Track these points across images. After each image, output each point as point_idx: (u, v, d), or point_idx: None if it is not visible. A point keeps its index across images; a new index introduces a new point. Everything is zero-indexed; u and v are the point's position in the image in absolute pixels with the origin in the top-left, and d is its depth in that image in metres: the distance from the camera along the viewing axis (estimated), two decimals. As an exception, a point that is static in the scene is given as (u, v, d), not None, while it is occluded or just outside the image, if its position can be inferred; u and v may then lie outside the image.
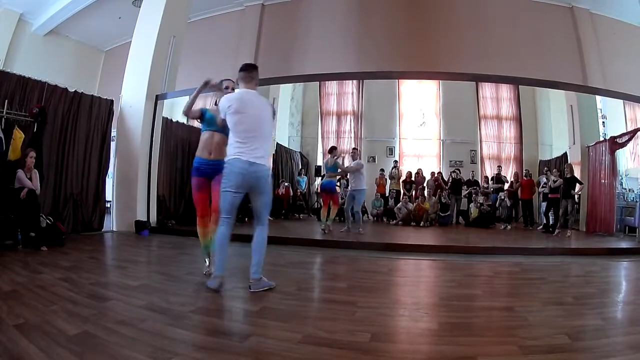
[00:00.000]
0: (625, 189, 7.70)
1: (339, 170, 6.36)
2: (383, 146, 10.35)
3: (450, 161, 9.95)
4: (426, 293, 3.07)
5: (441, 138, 10.22)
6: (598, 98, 7.66)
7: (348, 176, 6.50)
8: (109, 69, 10.63)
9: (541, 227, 7.49)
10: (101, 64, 11.13)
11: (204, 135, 3.13)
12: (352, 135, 10.37)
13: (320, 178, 9.64)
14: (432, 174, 9.24)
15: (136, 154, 6.10)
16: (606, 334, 2.00)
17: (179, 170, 7.06)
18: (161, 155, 6.50)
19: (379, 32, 8.95)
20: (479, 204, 8.16)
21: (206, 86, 3.14)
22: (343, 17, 9.34)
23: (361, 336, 1.90)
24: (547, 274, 3.57)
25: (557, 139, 9.12)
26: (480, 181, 9.13)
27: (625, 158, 7.79)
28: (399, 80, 9.87)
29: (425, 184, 9.03)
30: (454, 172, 8.88)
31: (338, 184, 6.72)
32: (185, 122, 7.27)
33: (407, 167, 9.78)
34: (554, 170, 7.22)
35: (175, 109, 7.28)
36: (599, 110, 8.00)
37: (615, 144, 7.04)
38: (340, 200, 6.99)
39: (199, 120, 3.20)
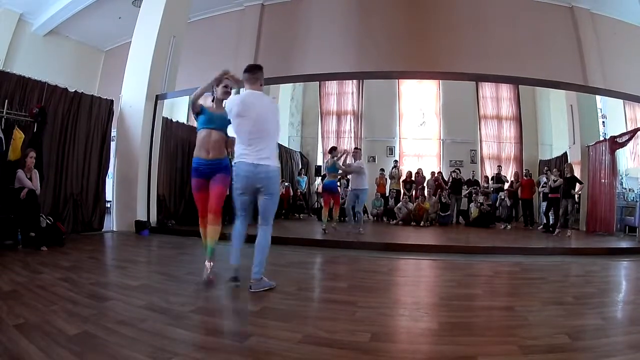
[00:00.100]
0: (625, 188, 7.70)
1: (340, 170, 6.36)
2: (383, 146, 10.35)
3: (451, 161, 9.95)
4: (426, 293, 3.07)
5: (441, 138, 10.22)
6: (598, 98, 7.66)
7: (349, 175, 6.50)
8: (109, 69, 10.62)
9: (541, 226, 7.49)
10: (101, 64, 11.12)
11: (201, 134, 3.02)
12: (352, 135, 10.37)
13: (320, 178, 9.65)
14: (432, 173, 9.25)
15: (136, 154, 6.10)
16: (606, 333, 2.00)
17: (179, 170, 7.06)
18: (161, 155, 6.50)
19: (379, 32, 8.95)
20: (479, 204, 8.16)
21: (224, 75, 3.00)
22: (343, 17, 9.34)
23: (361, 336, 1.90)
24: (547, 274, 3.57)
25: (557, 138, 9.12)
26: (480, 181, 9.13)
27: (625, 158, 7.79)
28: (399, 80, 9.88)
29: (425, 184, 9.04)
30: (454, 171, 8.88)
31: (338, 183, 6.73)
32: (185, 122, 7.27)
33: (407, 166, 9.79)
34: (554, 170, 7.22)
35: (175, 109, 7.28)
36: (599, 110, 8.01)
37: (615, 143, 7.04)
38: (340, 200, 6.99)
39: (195, 116, 3.08)
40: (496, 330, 2.09)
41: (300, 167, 10.28)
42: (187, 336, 1.88)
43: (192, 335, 1.90)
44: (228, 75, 2.99)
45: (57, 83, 5.52)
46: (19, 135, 4.68)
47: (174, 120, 7.08)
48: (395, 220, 8.35)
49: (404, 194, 8.81)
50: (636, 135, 7.10)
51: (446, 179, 9.15)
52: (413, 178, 9.21)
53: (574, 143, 8.00)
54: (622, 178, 7.70)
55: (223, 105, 3.09)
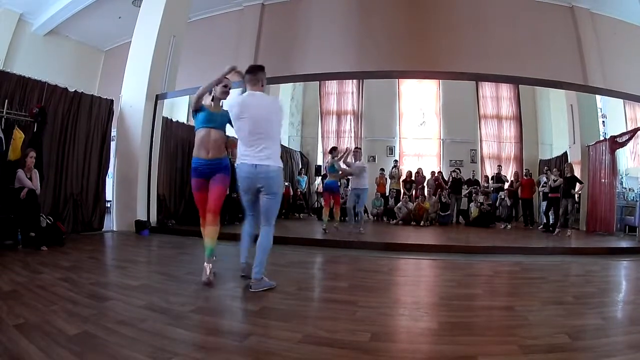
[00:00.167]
0: (625, 188, 7.70)
1: (340, 172, 6.36)
2: (383, 146, 10.35)
3: (451, 160, 9.95)
4: (426, 292, 3.07)
5: (441, 137, 10.22)
6: (598, 97, 7.66)
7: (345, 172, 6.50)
8: (109, 69, 10.62)
9: (541, 226, 7.49)
10: (101, 64, 11.12)
11: (200, 133, 2.97)
12: (352, 134, 10.37)
13: (320, 177, 9.66)
14: (432, 173, 9.25)
15: (136, 154, 6.10)
16: (606, 333, 2.00)
17: (179, 170, 7.06)
18: (161, 155, 6.49)
19: (379, 32, 8.95)
20: (479, 204, 8.16)
21: (231, 72, 2.97)
22: (343, 17, 9.34)
23: (361, 336, 1.90)
24: (547, 274, 3.57)
25: (557, 138, 9.12)
26: (480, 180, 9.13)
27: (626, 157, 7.79)
28: (399, 79, 9.88)
29: (425, 184, 9.04)
30: (454, 171, 8.88)
31: (339, 183, 6.74)
32: (185, 122, 7.27)
33: (407, 166, 9.80)
34: (554, 170, 7.22)
35: (175, 109, 7.28)
36: (599, 110, 8.00)
37: (615, 143, 7.04)
38: (340, 200, 6.99)
39: (194, 114, 3.01)
40: (496, 330, 2.09)
41: (300, 166, 10.28)
42: (187, 336, 1.88)
43: (192, 335, 1.90)
44: (236, 72, 2.95)
45: (57, 83, 5.51)
46: (19, 135, 4.68)
47: (174, 120, 7.08)
48: (395, 220, 8.35)
49: (404, 193, 8.81)
50: (636, 135, 7.10)
51: (446, 178, 9.15)
52: (413, 178, 9.21)
53: (574, 143, 8.00)
54: (622, 178, 7.70)
55: (220, 105, 3.08)
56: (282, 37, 9.46)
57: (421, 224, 8.00)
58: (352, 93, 10.56)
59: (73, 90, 5.69)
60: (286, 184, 9.06)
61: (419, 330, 2.08)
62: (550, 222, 7.18)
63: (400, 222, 8.20)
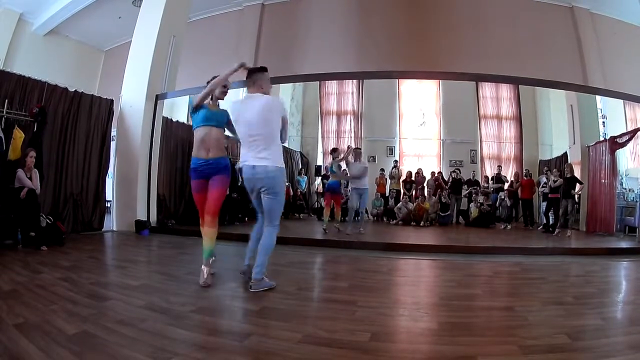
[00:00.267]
0: (625, 188, 7.70)
1: (347, 174, 6.36)
2: (383, 146, 10.35)
3: (450, 161, 9.95)
4: (426, 293, 3.06)
5: (441, 138, 10.23)
6: (598, 98, 7.66)
7: (349, 175, 6.50)
8: (109, 69, 10.63)
9: (541, 227, 7.50)
10: (101, 64, 11.13)
11: (199, 132, 2.90)
12: (352, 135, 10.37)
13: (320, 177, 9.66)
14: (432, 173, 9.25)
15: (136, 154, 6.10)
16: (606, 333, 2.00)
17: (179, 170, 7.06)
18: (161, 155, 6.50)
19: (379, 32, 8.95)
20: (479, 204, 8.17)
21: (240, 69, 2.90)
22: (343, 17, 9.34)
23: (361, 336, 1.90)
24: (547, 274, 3.57)
25: (557, 138, 9.12)
26: (480, 181, 9.13)
27: (625, 158, 7.79)
28: (399, 80, 9.88)
29: (425, 184, 9.05)
30: (454, 171, 8.89)
31: (340, 183, 6.74)
32: (185, 122, 7.27)
33: (407, 166, 9.80)
34: (554, 170, 7.22)
35: (175, 109, 7.28)
36: (599, 110, 8.01)
37: (615, 143, 7.04)
38: (341, 200, 6.99)
39: (193, 111, 2.95)
40: (496, 330, 2.09)
41: (300, 166, 10.29)
42: (187, 336, 1.88)
43: (193, 335, 1.90)
44: (245, 68, 2.89)
45: (57, 83, 5.52)
46: (19, 135, 4.68)
47: (174, 120, 7.08)
48: (395, 220, 8.35)
49: (404, 194, 8.81)
50: (636, 135, 7.10)
51: (446, 179, 9.16)
52: (413, 178, 9.21)
53: (574, 143, 8.00)
54: (622, 178, 7.71)
55: (217, 104, 3.06)
56: (282, 37, 9.47)
57: (421, 224, 8.00)
58: (352, 93, 10.56)
59: (73, 90, 5.70)
60: (286, 184, 9.06)
61: (418, 331, 2.08)
62: (550, 222, 7.18)
63: (400, 222, 8.20)
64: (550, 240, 6.10)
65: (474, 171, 9.39)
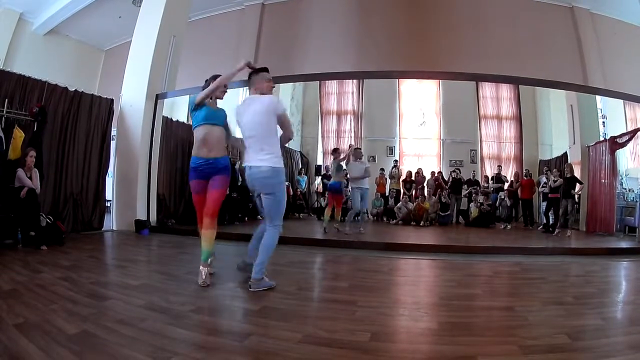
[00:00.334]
0: (625, 188, 7.69)
1: (348, 174, 6.37)
2: (383, 146, 10.34)
3: (450, 161, 9.94)
4: (426, 293, 3.06)
5: (441, 138, 10.22)
6: (598, 98, 7.65)
7: (348, 175, 6.51)
8: (109, 69, 10.62)
9: (541, 227, 7.49)
10: (101, 64, 11.12)
11: (201, 131, 2.85)
12: (352, 134, 10.37)
13: (320, 177, 9.66)
14: (432, 173, 9.25)
15: (136, 153, 6.10)
16: (606, 333, 2.00)
17: (179, 170, 7.06)
18: (161, 155, 6.49)
19: (379, 32, 8.95)
20: (479, 204, 8.17)
21: (245, 67, 2.87)
22: (343, 17, 9.34)
23: (361, 336, 1.90)
24: (547, 274, 3.57)
25: (557, 138, 9.11)
26: (480, 181, 9.13)
27: (625, 158, 7.78)
28: (399, 79, 9.86)
29: (425, 184, 9.04)
30: (454, 171, 8.88)
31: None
32: (185, 122, 7.27)
33: (407, 166, 9.78)
34: (554, 170, 7.22)
35: (175, 108, 7.28)
36: (599, 110, 8.00)
37: (615, 143, 7.04)
38: (342, 201, 6.98)
39: (195, 109, 2.89)
40: (496, 330, 2.09)
41: (300, 166, 10.28)
42: (187, 336, 1.88)
43: (192, 335, 1.90)
44: (250, 67, 2.88)
45: (57, 82, 5.51)
46: (19, 135, 4.68)
47: (174, 119, 7.08)
48: (395, 220, 8.35)
49: (404, 193, 8.81)
50: (636, 135, 7.10)
51: (446, 178, 9.15)
52: (413, 178, 9.21)
53: (574, 143, 8.00)
54: (622, 178, 7.70)
55: (216, 103, 3.05)
56: (283, 36, 9.46)
57: (421, 224, 8.00)
58: (352, 93, 10.55)
59: (73, 89, 5.69)
60: (286, 183, 9.06)
61: (418, 330, 2.08)
62: (550, 222, 7.18)
63: (400, 222, 8.20)
64: (550, 240, 6.10)
65: (474, 171, 9.39)
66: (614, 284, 3.54)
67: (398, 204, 8.45)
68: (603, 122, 8.05)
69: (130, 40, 6.55)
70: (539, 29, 8.60)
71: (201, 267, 2.81)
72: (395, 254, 4.49)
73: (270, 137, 2.74)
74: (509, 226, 7.91)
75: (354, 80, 10.29)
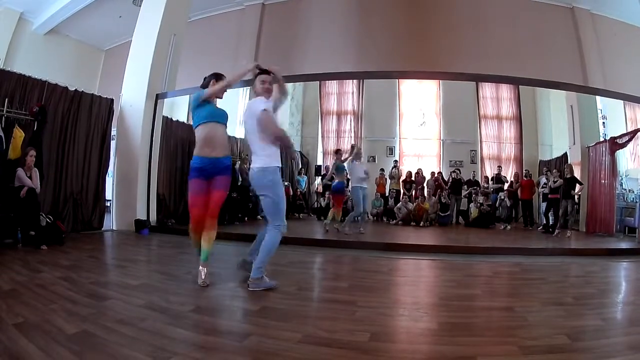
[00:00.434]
0: (625, 189, 7.70)
1: (348, 175, 6.38)
2: (383, 146, 10.35)
3: (450, 161, 9.95)
4: (426, 293, 3.06)
5: (441, 138, 10.22)
6: (598, 98, 7.65)
7: (349, 175, 6.52)
8: (109, 68, 10.63)
9: (541, 227, 7.49)
10: (101, 63, 11.13)
11: (205, 129, 2.78)
12: (352, 134, 10.37)
13: (320, 177, 9.66)
14: (432, 173, 9.25)
15: (136, 153, 6.10)
16: (606, 334, 2.00)
17: (179, 169, 7.06)
18: (161, 154, 6.50)
19: (379, 32, 8.95)
20: (478, 204, 8.16)
21: (256, 68, 2.82)
22: (343, 17, 9.34)
23: (361, 336, 1.90)
24: (547, 274, 3.57)
25: (557, 139, 9.12)
26: (480, 181, 9.13)
27: (625, 158, 7.78)
28: (399, 80, 9.86)
29: (425, 184, 9.04)
30: (454, 172, 8.88)
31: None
32: (185, 121, 7.27)
33: (407, 166, 9.79)
34: (554, 171, 7.22)
35: (175, 108, 7.28)
36: (599, 111, 8.00)
37: (615, 144, 7.04)
38: (342, 201, 6.98)
39: (198, 106, 2.83)
40: (496, 330, 2.09)
41: (300, 166, 10.28)
42: (186, 335, 1.88)
43: (192, 335, 1.90)
44: (260, 69, 2.84)
45: (58, 82, 5.51)
46: (19, 134, 4.68)
47: (174, 119, 7.08)
48: (395, 220, 8.35)
49: (404, 194, 8.81)
50: (636, 136, 7.10)
51: (446, 179, 9.15)
52: (413, 178, 9.21)
53: (574, 143, 8.00)
54: (622, 179, 7.70)
55: (215, 102, 3.05)
56: (282, 37, 9.46)
57: (421, 225, 8.00)
58: (352, 93, 10.55)
59: (73, 89, 5.69)
60: (286, 183, 9.06)
61: (418, 331, 2.08)
62: (550, 223, 7.18)
63: (400, 222, 8.20)
64: (550, 241, 6.10)
65: (474, 171, 9.39)
66: (614, 285, 3.54)
67: (398, 204, 8.45)
68: (603, 123, 8.05)
69: (131, 40, 6.55)
70: (539, 29, 8.61)
71: (200, 268, 2.80)
72: (395, 254, 4.49)
73: (257, 140, 2.72)
74: (508, 227, 7.91)
75: (354, 81, 10.29)
